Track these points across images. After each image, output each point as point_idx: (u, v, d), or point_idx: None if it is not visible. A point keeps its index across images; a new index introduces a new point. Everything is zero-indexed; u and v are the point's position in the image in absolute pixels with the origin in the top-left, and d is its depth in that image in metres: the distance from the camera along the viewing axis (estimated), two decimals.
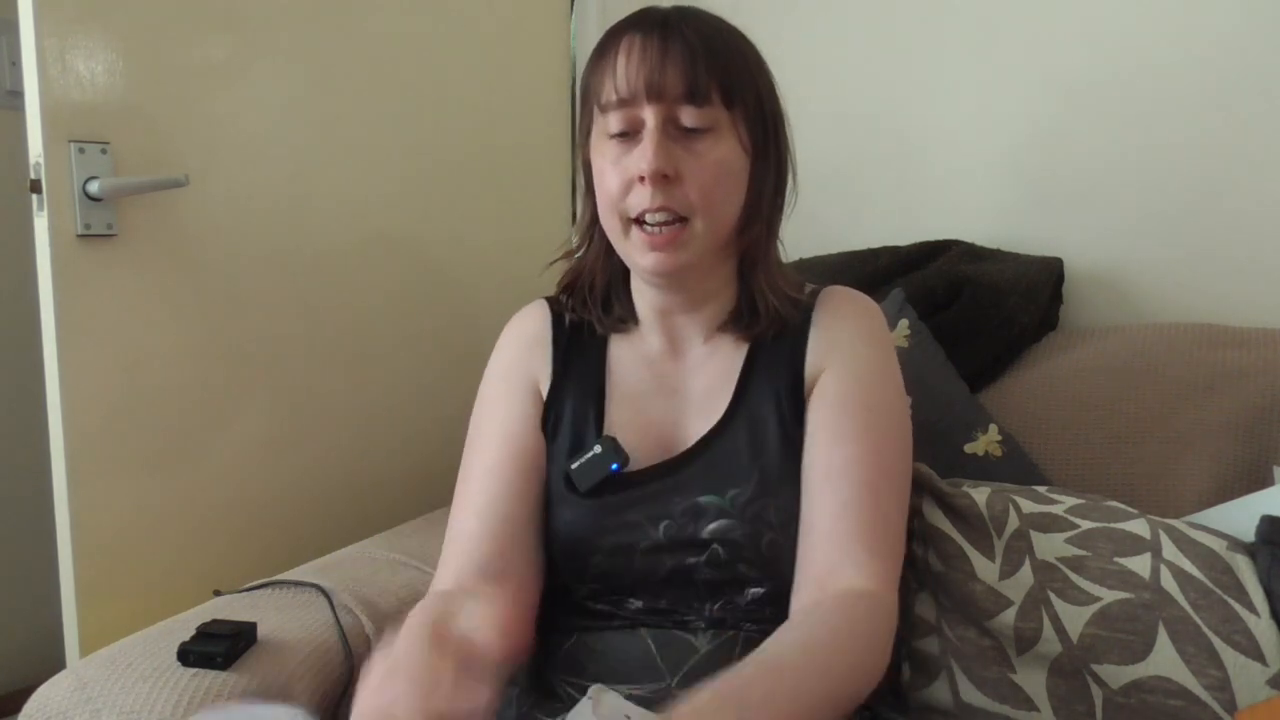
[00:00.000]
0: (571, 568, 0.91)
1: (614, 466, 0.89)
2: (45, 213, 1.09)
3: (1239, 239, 1.33)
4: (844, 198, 1.61)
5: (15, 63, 1.22)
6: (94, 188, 1.11)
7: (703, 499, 0.88)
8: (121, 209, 1.15)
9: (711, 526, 0.87)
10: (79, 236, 1.11)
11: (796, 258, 1.48)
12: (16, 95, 1.44)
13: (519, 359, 0.98)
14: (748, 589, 0.87)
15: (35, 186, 1.09)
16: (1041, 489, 1.10)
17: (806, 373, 0.92)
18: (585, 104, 0.91)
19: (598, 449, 0.90)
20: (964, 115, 1.51)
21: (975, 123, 1.51)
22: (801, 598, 0.84)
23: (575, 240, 0.98)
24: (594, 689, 0.67)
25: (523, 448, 0.94)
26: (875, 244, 1.49)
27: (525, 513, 0.92)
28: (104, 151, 1.13)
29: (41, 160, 1.09)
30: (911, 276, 1.40)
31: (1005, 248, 1.44)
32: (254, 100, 1.30)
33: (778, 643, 0.77)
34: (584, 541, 0.89)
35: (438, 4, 1.57)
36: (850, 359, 0.91)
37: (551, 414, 0.95)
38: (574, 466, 0.90)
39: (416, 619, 0.76)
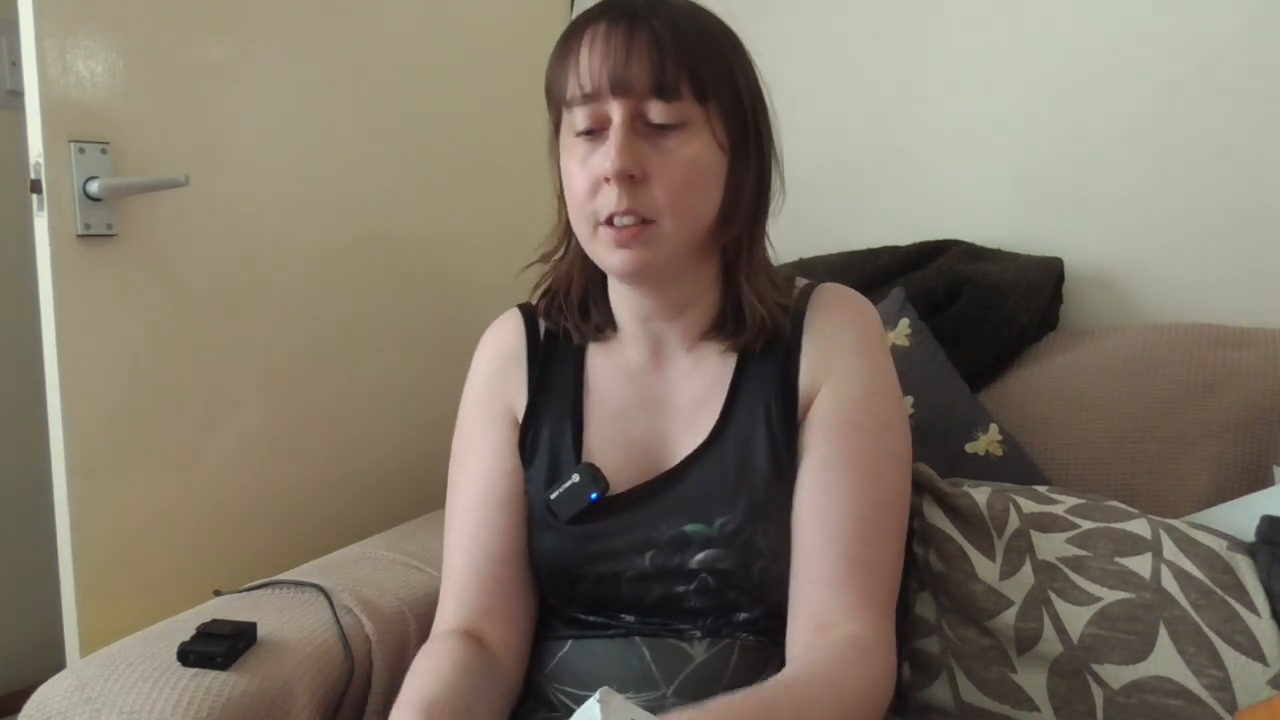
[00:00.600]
0: (558, 592, 0.90)
1: (593, 496, 0.86)
2: (45, 213, 1.09)
3: (1239, 239, 1.33)
4: (844, 198, 1.61)
5: (15, 63, 1.22)
6: (94, 188, 1.11)
7: (689, 528, 0.85)
8: (121, 209, 1.15)
9: (699, 557, 0.84)
10: (79, 236, 1.11)
11: (796, 258, 1.48)
12: (16, 95, 1.44)
13: (494, 385, 0.95)
14: (739, 613, 0.86)
15: (35, 186, 1.09)
16: (1042, 489, 1.10)
17: (800, 389, 0.87)
18: (551, 100, 0.87)
19: (576, 478, 0.87)
20: (964, 115, 1.51)
21: (975, 123, 1.50)
22: (797, 640, 0.82)
23: (551, 243, 0.94)
24: (602, 691, 0.67)
25: (504, 480, 0.92)
26: (875, 244, 1.49)
27: (512, 546, 0.91)
28: (104, 151, 1.13)
29: (41, 160, 1.09)
30: (911, 276, 1.40)
31: (1005, 248, 1.44)
32: (254, 100, 1.30)
33: (790, 674, 0.76)
34: (568, 569, 0.88)
35: (436, 4, 1.56)
36: (845, 377, 0.87)
37: (529, 435, 0.92)
38: (553, 497, 0.88)
39: (415, 686, 0.80)
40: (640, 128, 0.81)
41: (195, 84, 1.23)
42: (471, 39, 1.63)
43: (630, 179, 0.80)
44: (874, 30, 1.58)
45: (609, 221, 0.81)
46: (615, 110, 0.80)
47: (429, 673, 0.81)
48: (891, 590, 0.85)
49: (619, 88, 0.80)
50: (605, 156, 0.80)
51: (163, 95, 1.20)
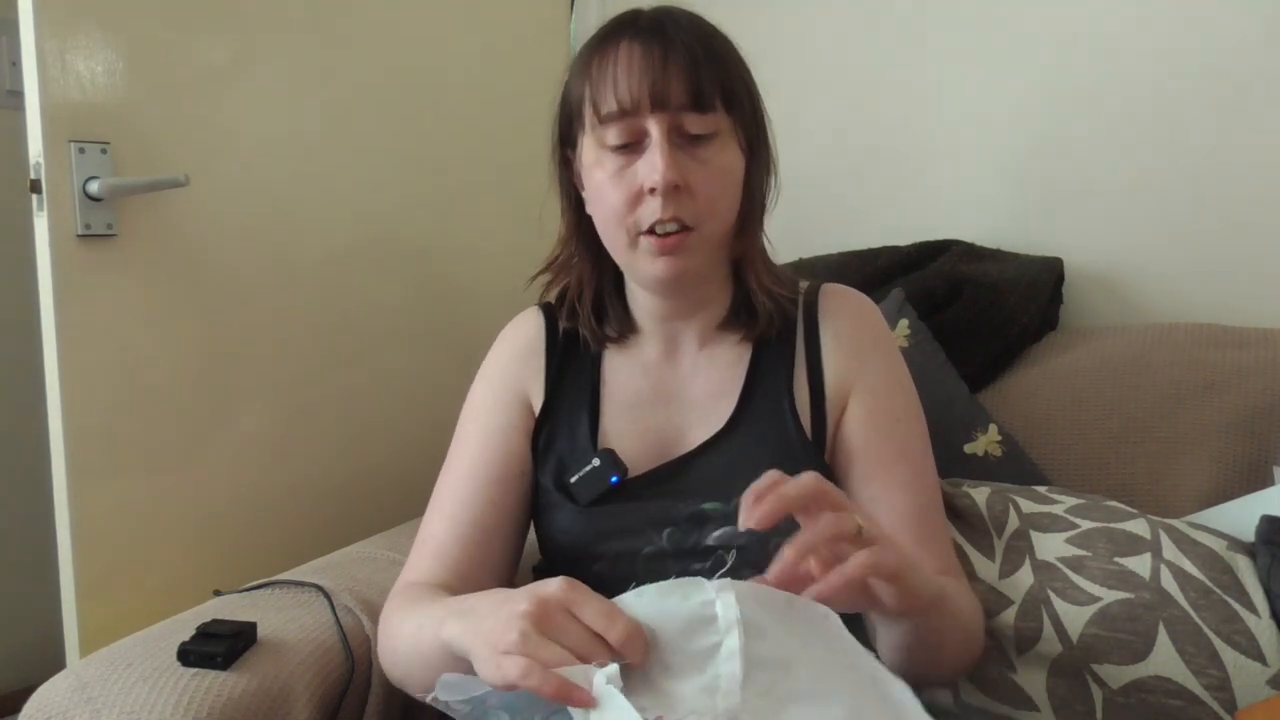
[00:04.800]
0: (572, 575, 0.91)
1: (614, 479, 0.88)
2: (45, 213, 1.09)
3: (1238, 239, 1.33)
4: (845, 197, 1.61)
5: (15, 63, 1.22)
6: (94, 188, 1.11)
7: (707, 506, 0.87)
8: (121, 209, 1.15)
9: (717, 534, 0.86)
10: (79, 236, 1.11)
11: (796, 258, 1.48)
12: (16, 95, 1.43)
13: (509, 369, 0.97)
14: None
15: (35, 186, 1.09)
16: (1041, 489, 1.10)
17: (829, 383, 0.91)
18: (572, 114, 0.88)
19: (596, 462, 0.89)
20: (964, 116, 1.51)
21: (975, 123, 1.51)
22: None
23: (558, 251, 0.96)
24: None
25: (502, 456, 0.93)
26: (875, 244, 1.49)
27: (498, 522, 0.92)
28: (104, 151, 1.13)
29: (41, 160, 1.09)
30: (911, 276, 1.40)
31: (1005, 248, 1.44)
32: (254, 101, 1.30)
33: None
34: (585, 549, 0.89)
35: (438, 6, 1.56)
36: (876, 374, 0.92)
37: (545, 427, 0.94)
38: (573, 481, 0.89)
39: (414, 593, 0.84)
40: (676, 139, 0.83)
41: (195, 84, 1.23)
42: (471, 40, 1.63)
43: (675, 189, 0.82)
44: (874, 31, 1.59)
45: (650, 230, 0.84)
46: (653, 124, 0.82)
47: (415, 596, 0.85)
48: (955, 556, 0.93)
49: (658, 102, 0.82)
50: (651, 168, 0.82)
51: (163, 95, 1.20)
